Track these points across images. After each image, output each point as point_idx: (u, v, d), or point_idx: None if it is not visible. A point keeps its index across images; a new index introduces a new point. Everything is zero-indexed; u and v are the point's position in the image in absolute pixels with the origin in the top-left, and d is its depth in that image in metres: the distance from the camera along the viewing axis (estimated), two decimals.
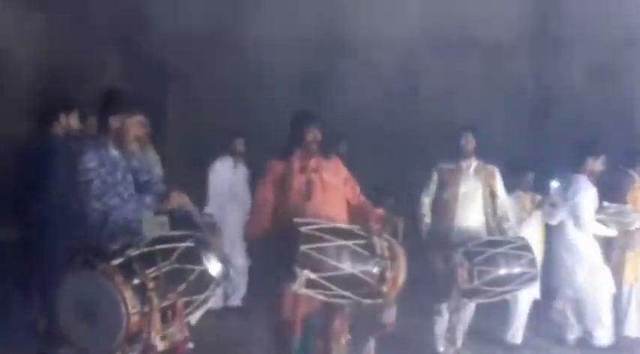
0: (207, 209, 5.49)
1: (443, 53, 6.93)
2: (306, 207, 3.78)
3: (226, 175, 5.72)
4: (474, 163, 4.72)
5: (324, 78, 7.01)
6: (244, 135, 5.83)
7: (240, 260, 5.55)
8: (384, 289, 3.55)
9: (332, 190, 3.90)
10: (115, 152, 3.05)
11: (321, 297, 3.53)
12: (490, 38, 6.97)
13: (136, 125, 3.08)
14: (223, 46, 6.92)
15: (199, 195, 5.48)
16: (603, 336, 5.02)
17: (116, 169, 3.00)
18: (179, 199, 3.09)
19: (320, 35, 7.16)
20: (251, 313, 5.28)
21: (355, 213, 3.94)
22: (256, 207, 3.97)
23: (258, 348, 4.27)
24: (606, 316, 5.00)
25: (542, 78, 7.01)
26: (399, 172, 5.90)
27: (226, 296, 5.54)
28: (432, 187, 4.77)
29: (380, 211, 3.89)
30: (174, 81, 6.44)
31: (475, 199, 4.64)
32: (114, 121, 3.04)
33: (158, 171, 5.05)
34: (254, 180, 5.54)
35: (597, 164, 5.09)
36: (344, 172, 4.05)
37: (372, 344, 4.52)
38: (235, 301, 5.42)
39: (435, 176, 4.76)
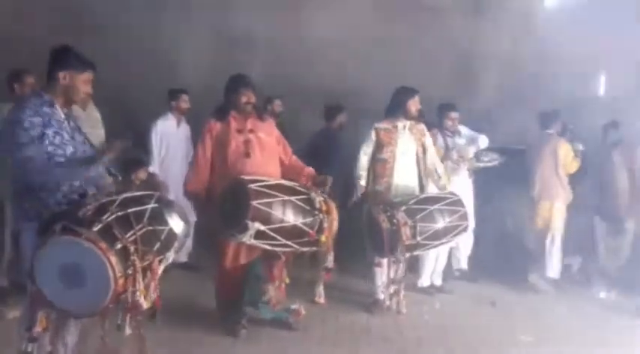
0: (151, 169, 5.51)
1: (388, 17, 7.10)
2: (245, 165, 4.08)
3: (169, 134, 5.72)
4: (407, 122, 4.95)
5: (258, 37, 7.04)
6: (187, 91, 5.80)
7: (187, 215, 5.60)
8: (322, 238, 3.96)
9: (268, 149, 4.23)
10: (59, 111, 3.02)
11: (266, 247, 3.89)
12: (432, 2, 7.19)
13: (85, 82, 3.08)
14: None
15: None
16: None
17: (62, 127, 2.98)
18: (121, 145, 3.10)
19: None
20: (197, 269, 5.51)
21: (288, 171, 4.28)
22: (196, 164, 4.20)
23: (207, 302, 4.49)
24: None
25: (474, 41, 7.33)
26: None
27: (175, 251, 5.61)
28: (371, 146, 4.94)
29: (310, 169, 4.30)
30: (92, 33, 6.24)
31: (410, 157, 4.92)
32: (62, 78, 3.02)
33: (101, 130, 5.01)
34: (196, 137, 5.68)
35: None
36: (276, 132, 4.37)
37: (321, 288, 4.93)
38: (182, 257, 5.53)
39: (373, 136, 4.94)
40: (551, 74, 6.85)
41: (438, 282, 5.55)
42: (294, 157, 4.42)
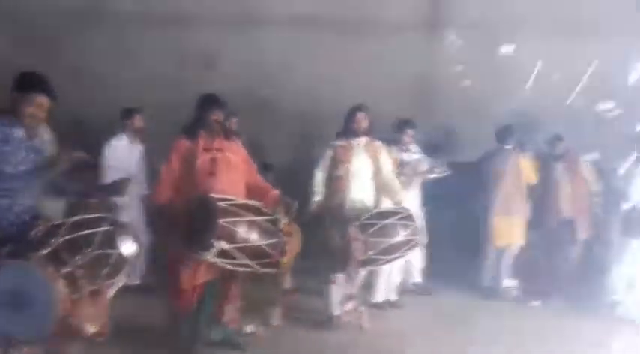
0: None
1: (339, 33, 7.23)
2: (211, 184, 4.09)
3: (122, 154, 5.66)
4: (363, 140, 5.04)
5: (216, 54, 7.06)
6: (142, 110, 5.77)
7: (139, 237, 5.54)
8: (284, 260, 4.01)
9: (234, 168, 4.24)
10: (19, 131, 3.10)
11: (227, 266, 3.89)
12: (385, 20, 7.31)
13: (30, 105, 3.15)
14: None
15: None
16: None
17: (19, 147, 3.06)
18: (70, 157, 3.18)
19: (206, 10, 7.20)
20: (151, 291, 5.41)
21: (253, 191, 4.30)
22: (162, 179, 4.21)
23: (160, 323, 4.44)
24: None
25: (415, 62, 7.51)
26: (300, 151, 6.17)
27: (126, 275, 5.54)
28: (326, 164, 5.03)
29: (276, 192, 4.32)
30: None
31: (366, 174, 4.99)
32: (13, 99, 3.13)
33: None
34: (150, 156, 5.67)
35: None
36: (243, 152, 4.40)
37: (278, 311, 4.95)
38: (134, 279, 5.46)
39: (328, 154, 5.04)
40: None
41: (393, 297, 5.62)
42: (260, 178, 4.46)
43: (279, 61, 7.09)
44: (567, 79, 6.91)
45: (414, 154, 5.77)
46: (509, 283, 6.10)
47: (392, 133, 5.74)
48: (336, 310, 4.90)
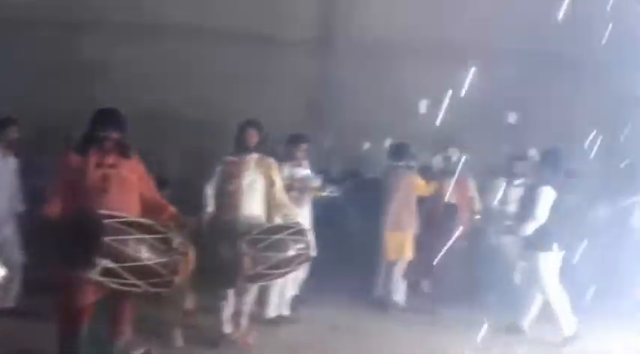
0: None
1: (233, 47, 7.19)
2: (101, 200, 3.97)
3: None
4: (255, 156, 5.03)
5: (115, 66, 6.83)
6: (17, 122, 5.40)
7: (14, 257, 5.17)
8: (176, 279, 3.93)
9: (128, 185, 4.15)
10: None
11: (113, 285, 3.76)
12: (282, 36, 7.39)
13: None
14: None
15: None
16: None
17: None
18: None
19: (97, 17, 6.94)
20: (27, 314, 5.05)
21: (149, 208, 4.21)
22: (51, 193, 4.04)
23: (44, 347, 4.16)
24: None
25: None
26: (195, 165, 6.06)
27: None
28: (216, 179, 4.99)
29: (173, 209, 4.27)
30: None
31: (257, 190, 4.97)
32: None
33: None
34: (25, 170, 5.32)
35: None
36: (140, 169, 4.31)
37: (179, 331, 4.74)
38: (8, 302, 5.06)
39: (219, 169, 5.00)
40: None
41: (286, 312, 5.59)
42: (158, 196, 4.37)
43: (174, 72, 6.94)
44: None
45: (305, 170, 5.79)
46: (398, 296, 6.24)
47: (284, 148, 5.72)
48: (227, 328, 4.79)
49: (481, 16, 7.25)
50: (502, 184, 6.46)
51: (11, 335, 4.53)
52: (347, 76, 7.62)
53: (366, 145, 7.63)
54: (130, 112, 5.95)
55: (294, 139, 5.78)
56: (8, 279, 2.87)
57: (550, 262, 5.25)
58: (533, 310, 5.47)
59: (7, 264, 3.20)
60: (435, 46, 7.45)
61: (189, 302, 4.83)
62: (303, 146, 5.77)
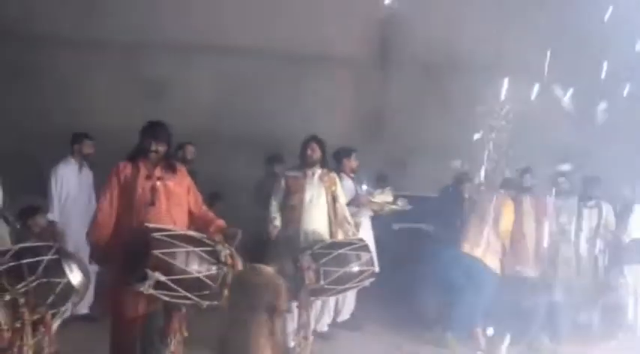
0: (50, 216, 5.30)
1: (290, 66, 7.33)
2: (149, 213, 3.98)
3: (70, 179, 5.54)
4: (318, 171, 5.12)
5: (170, 83, 7.06)
6: (93, 137, 5.69)
7: (88, 265, 5.39)
8: (225, 292, 3.89)
9: (175, 198, 4.14)
10: None
11: (165, 298, 3.76)
12: (338, 55, 7.50)
13: None
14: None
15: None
16: None
17: None
18: None
19: (167, 39, 7.21)
20: (98, 321, 5.24)
21: (197, 221, 4.21)
22: (100, 211, 4.04)
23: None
24: None
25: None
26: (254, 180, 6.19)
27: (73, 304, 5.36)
28: (280, 193, 5.10)
29: (220, 221, 4.22)
30: None
31: (319, 204, 5.04)
32: None
33: None
34: (99, 183, 5.54)
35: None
36: (187, 181, 4.29)
37: None
38: (83, 309, 5.28)
39: (282, 183, 5.11)
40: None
41: (324, 328, 5.60)
42: (205, 208, 4.35)
43: (237, 91, 7.12)
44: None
45: (363, 185, 5.81)
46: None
47: (335, 163, 5.75)
48: (292, 342, 4.82)
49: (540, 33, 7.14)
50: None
51: (84, 341, 4.66)
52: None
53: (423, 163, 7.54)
54: (192, 131, 6.36)
55: (347, 152, 5.84)
56: (84, 285, 2.98)
57: None
58: None
59: (83, 271, 3.31)
60: (494, 62, 7.38)
61: None
62: (354, 161, 5.80)
